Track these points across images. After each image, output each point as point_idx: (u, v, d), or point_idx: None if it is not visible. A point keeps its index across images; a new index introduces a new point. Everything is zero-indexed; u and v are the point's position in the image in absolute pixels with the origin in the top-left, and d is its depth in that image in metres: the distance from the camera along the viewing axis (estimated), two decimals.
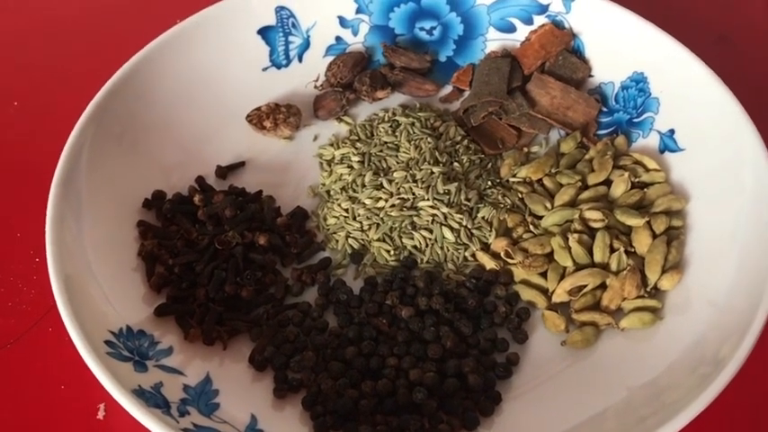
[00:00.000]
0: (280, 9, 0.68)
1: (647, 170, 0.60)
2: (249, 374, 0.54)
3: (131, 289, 0.55)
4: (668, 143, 0.61)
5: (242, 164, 0.64)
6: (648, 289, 0.55)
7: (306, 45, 0.69)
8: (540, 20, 0.67)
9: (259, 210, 0.60)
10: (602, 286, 0.55)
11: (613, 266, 0.55)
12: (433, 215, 0.59)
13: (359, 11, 0.70)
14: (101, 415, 0.53)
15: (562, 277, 0.56)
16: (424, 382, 0.51)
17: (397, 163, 0.62)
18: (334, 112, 0.67)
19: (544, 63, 0.66)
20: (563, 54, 0.65)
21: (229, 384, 0.52)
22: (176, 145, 0.63)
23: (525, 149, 0.64)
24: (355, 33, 0.70)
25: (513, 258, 0.57)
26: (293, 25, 0.69)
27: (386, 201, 0.60)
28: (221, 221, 0.58)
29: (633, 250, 0.56)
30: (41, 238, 0.52)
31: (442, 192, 0.59)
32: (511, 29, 0.68)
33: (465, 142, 0.63)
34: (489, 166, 0.63)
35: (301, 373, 0.52)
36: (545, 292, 0.56)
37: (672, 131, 0.61)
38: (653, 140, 0.62)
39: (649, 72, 0.63)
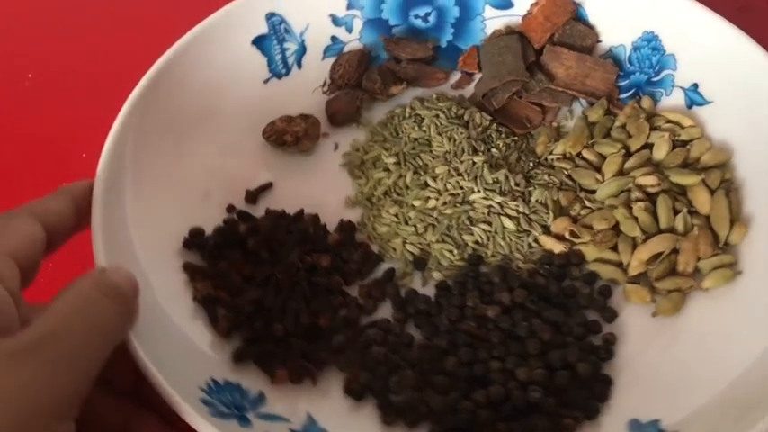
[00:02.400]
0: (270, 16, 0.64)
1: (683, 127, 0.60)
2: (347, 405, 0.50)
3: (199, 338, 0.51)
4: (694, 98, 0.61)
5: (269, 185, 0.60)
6: (720, 245, 0.54)
7: (302, 50, 0.66)
8: None
9: (306, 230, 0.56)
10: (674, 251, 0.55)
11: (680, 228, 0.55)
12: (489, 206, 0.57)
13: (350, 6, 0.67)
14: None
15: (633, 248, 0.55)
16: (535, 379, 0.49)
17: (434, 158, 0.59)
18: (350, 116, 0.63)
19: (552, 35, 0.64)
20: (569, 23, 0.64)
21: (333, 420, 0.49)
22: (194, 175, 0.59)
23: (555, 124, 0.63)
24: (350, 30, 0.67)
25: (579, 237, 0.55)
26: (286, 31, 0.65)
27: (435, 199, 0.57)
28: (274, 249, 0.54)
29: (695, 210, 0.56)
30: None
31: (491, 181, 0.57)
32: (508, 4, 0.67)
33: (494, 126, 0.62)
34: (524, 146, 0.61)
35: (403, 394, 0.50)
36: (620, 265, 0.55)
37: (695, 85, 0.61)
38: (678, 97, 0.62)
39: (660, 30, 0.63)
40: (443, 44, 0.68)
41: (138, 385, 0.43)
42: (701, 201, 0.56)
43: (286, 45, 0.65)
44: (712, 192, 0.56)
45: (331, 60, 0.66)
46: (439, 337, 0.52)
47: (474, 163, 0.58)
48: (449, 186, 0.57)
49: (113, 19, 0.72)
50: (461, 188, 0.57)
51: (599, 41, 0.65)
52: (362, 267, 0.55)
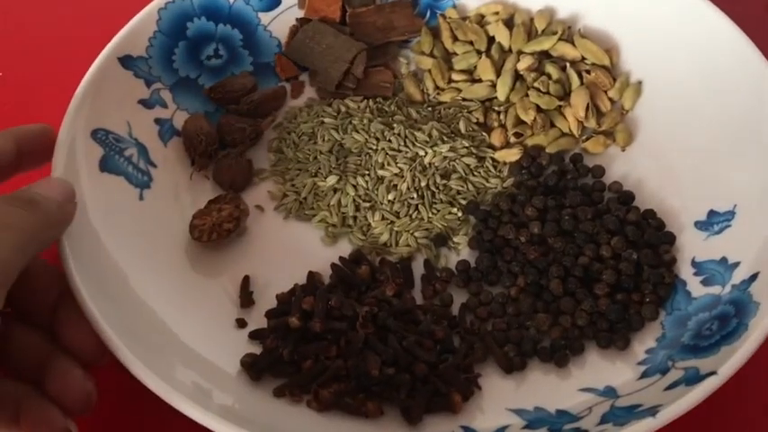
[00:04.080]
0: (95, 133, 0.55)
1: (497, 13, 0.65)
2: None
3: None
4: None
5: (247, 279, 0.54)
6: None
7: (143, 148, 0.58)
8: None
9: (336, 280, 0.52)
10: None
11: (577, 81, 0.62)
12: (444, 157, 0.58)
13: (148, 83, 0.60)
14: None
15: (563, 116, 0.60)
16: (619, 250, 0.53)
17: (361, 154, 0.58)
18: (247, 175, 0.58)
19: (342, 3, 0.65)
20: None
21: None
22: None
23: (406, 71, 0.64)
24: (164, 105, 0.60)
25: (522, 134, 0.59)
26: (116, 140, 0.57)
27: (402, 179, 0.56)
28: (337, 317, 0.50)
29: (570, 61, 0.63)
30: None
31: (427, 139, 0.58)
32: (275, 3, 0.66)
33: (383, 103, 0.61)
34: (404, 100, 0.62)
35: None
36: (567, 134, 0.60)
37: None
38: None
39: None
40: (252, 68, 0.64)
41: (54, 325, 0.44)
42: (570, 52, 0.62)
43: (127, 153, 0.56)
44: (573, 44, 0.62)
45: (175, 142, 0.59)
46: (531, 285, 0.52)
47: (402, 134, 0.57)
48: (402, 165, 0.56)
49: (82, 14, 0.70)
50: (413, 160, 0.56)
51: None
52: (405, 277, 0.53)
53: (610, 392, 0.47)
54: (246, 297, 0.52)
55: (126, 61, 0.58)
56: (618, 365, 0.49)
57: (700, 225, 0.54)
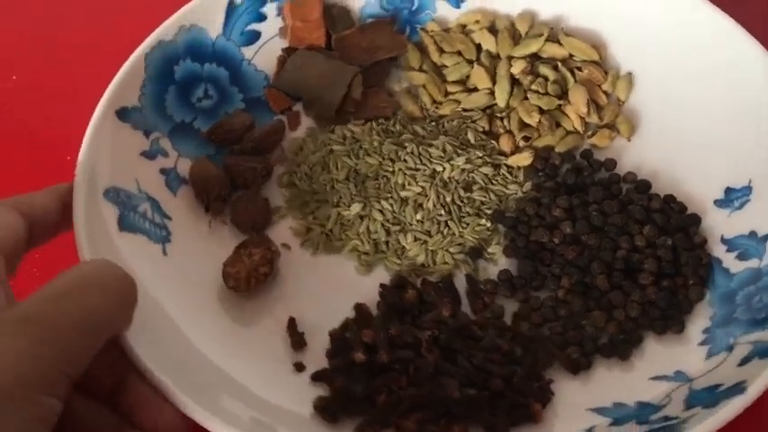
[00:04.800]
0: (107, 193, 0.53)
1: (478, 21, 0.66)
2: None
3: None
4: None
5: (293, 321, 0.52)
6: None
7: (155, 202, 0.56)
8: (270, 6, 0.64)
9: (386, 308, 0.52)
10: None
11: (572, 79, 0.63)
12: (462, 170, 0.58)
13: (146, 133, 0.58)
14: None
15: (565, 114, 0.61)
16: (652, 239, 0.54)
17: (379, 177, 0.58)
18: (266, 215, 0.57)
19: (326, 29, 0.64)
20: (326, 10, 0.65)
21: None
22: None
23: (400, 90, 0.64)
24: (165, 154, 0.58)
25: (531, 137, 0.60)
26: (128, 197, 0.54)
27: (427, 197, 0.56)
28: (401, 345, 0.49)
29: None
30: None
31: (442, 154, 0.58)
32: (255, 37, 0.64)
33: (391, 122, 0.61)
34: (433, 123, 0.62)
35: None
36: (572, 132, 0.61)
37: None
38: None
39: None
40: (241, 105, 0.62)
41: (116, 395, 0.41)
42: (559, 52, 0.63)
43: (141, 209, 0.54)
44: (559, 43, 0.64)
45: (184, 191, 0.57)
46: (576, 287, 0.53)
47: (415, 152, 0.57)
48: (423, 184, 0.56)
49: (98, 18, 0.71)
50: (432, 176, 0.56)
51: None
52: (452, 295, 0.53)
53: (681, 377, 0.48)
54: (298, 339, 0.50)
55: (122, 114, 0.55)
56: (680, 350, 0.50)
57: (719, 203, 0.55)
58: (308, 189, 0.57)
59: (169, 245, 0.54)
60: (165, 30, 0.59)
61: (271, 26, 0.64)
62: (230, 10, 0.62)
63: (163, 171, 0.57)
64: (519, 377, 0.47)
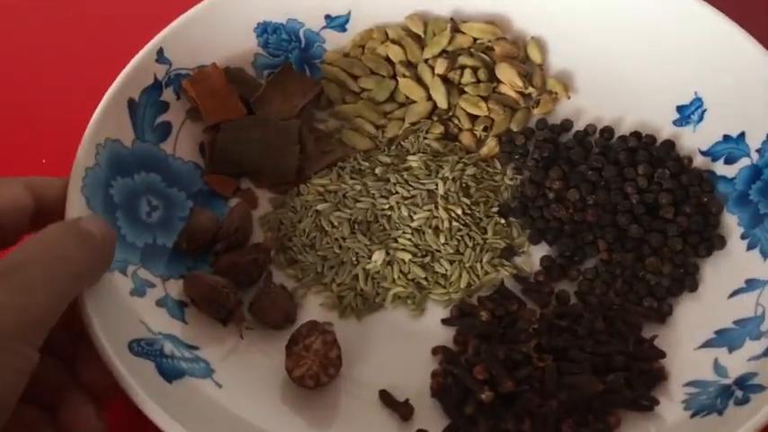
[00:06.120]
0: (130, 349, 0.47)
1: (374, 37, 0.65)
2: None
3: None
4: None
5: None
6: None
7: (173, 338, 0.50)
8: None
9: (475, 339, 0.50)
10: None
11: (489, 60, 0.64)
12: (455, 180, 0.57)
13: (123, 271, 0.51)
14: None
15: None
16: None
17: (391, 209, 0.55)
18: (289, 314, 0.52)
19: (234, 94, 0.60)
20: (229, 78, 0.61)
21: None
22: None
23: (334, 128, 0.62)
24: (151, 284, 0.52)
25: (488, 124, 0.60)
26: (149, 344, 0.48)
27: (444, 223, 0.55)
28: (512, 367, 0.48)
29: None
30: None
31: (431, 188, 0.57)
32: (167, 129, 0.59)
33: (351, 163, 0.58)
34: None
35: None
36: (515, 107, 0.62)
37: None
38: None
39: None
40: (191, 203, 0.57)
41: (74, 359, 0.44)
42: (465, 40, 0.64)
43: (167, 351, 0.49)
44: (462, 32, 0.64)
45: (191, 312, 0.51)
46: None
47: (400, 180, 0.56)
48: (428, 207, 0.55)
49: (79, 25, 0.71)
50: (431, 197, 0.55)
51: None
52: (518, 300, 0.52)
53: (756, 283, 0.50)
54: (405, 409, 0.47)
55: None
56: (734, 262, 0.52)
57: (679, 122, 0.59)
58: (314, 259, 0.53)
59: (216, 375, 0.47)
60: (86, 155, 0.51)
61: (177, 112, 0.58)
62: (132, 109, 0.55)
63: (159, 303, 0.50)
64: (636, 347, 0.47)
